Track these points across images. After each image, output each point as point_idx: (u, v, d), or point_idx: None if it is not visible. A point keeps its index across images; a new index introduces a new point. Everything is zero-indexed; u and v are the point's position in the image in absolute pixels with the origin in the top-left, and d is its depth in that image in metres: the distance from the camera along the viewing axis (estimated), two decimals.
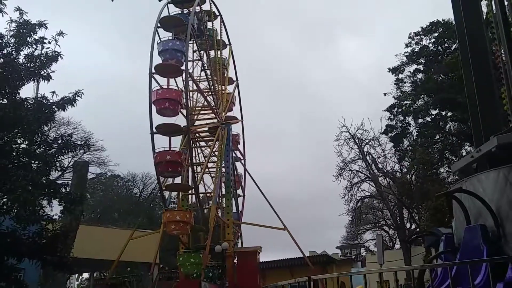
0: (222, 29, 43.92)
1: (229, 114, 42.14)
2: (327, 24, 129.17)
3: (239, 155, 43.49)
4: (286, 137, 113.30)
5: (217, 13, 43.45)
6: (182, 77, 35.30)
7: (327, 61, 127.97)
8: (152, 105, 33.85)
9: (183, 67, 34.78)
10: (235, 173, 41.39)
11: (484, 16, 9.73)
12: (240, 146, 44.17)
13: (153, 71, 34.42)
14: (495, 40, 8.92)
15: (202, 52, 41.04)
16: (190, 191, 37.53)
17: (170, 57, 35.05)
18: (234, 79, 44.90)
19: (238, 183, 42.05)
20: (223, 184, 38.42)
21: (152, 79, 34.22)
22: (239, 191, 43.03)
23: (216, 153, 39.47)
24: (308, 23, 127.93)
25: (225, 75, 42.96)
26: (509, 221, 7.35)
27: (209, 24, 42.42)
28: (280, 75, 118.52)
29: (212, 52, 42.18)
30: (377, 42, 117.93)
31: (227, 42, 44.40)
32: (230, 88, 44.24)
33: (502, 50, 8.74)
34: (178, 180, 36.50)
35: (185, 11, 37.74)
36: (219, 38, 43.11)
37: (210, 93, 40.39)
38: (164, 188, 34.51)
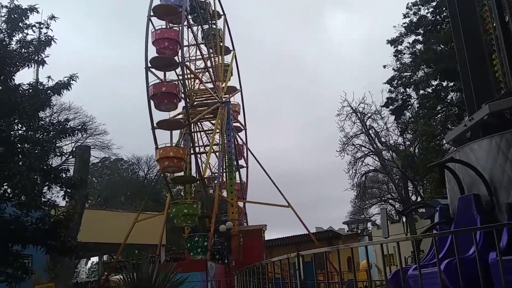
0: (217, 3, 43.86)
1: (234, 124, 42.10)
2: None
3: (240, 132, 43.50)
4: (286, 114, 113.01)
5: None
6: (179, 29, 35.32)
7: (319, 36, 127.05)
8: (152, 46, 34.30)
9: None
10: (236, 143, 41.22)
11: None
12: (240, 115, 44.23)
13: (151, 13, 35.00)
14: (485, 6, 8.78)
15: (197, 27, 41.12)
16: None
17: None
18: (235, 74, 44.87)
19: (240, 154, 41.94)
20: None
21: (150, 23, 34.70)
22: (241, 162, 43.03)
23: (218, 132, 39.47)
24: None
25: (221, 43, 42.86)
26: (502, 190, 7.29)
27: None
28: (273, 53, 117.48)
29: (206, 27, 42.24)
30: (368, 15, 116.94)
31: (221, 12, 44.34)
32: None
33: (492, 14, 8.59)
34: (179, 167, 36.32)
35: None
36: (213, 8, 43.10)
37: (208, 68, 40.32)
38: (156, 126, 33.87)
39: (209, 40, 40.97)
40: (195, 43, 40.70)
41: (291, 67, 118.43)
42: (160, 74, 34.76)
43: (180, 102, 35.01)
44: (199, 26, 41.57)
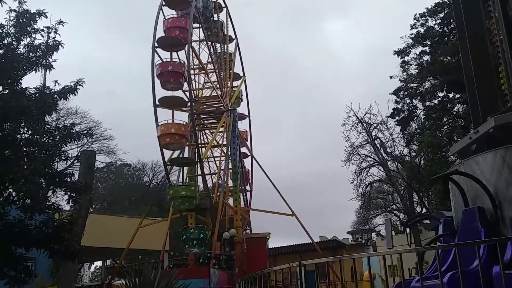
0: (229, 22, 43.99)
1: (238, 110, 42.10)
2: (313, 7, 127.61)
3: (246, 151, 43.32)
4: (288, 123, 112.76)
5: (223, 5, 43.51)
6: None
7: (317, 45, 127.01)
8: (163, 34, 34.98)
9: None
10: (243, 169, 41.32)
11: None
12: (248, 142, 44.23)
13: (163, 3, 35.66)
14: (492, 18, 8.77)
15: (209, 43, 41.29)
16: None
17: None
18: (241, 74, 44.92)
19: (246, 179, 42.00)
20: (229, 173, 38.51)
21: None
22: (247, 187, 43.05)
23: (223, 139, 39.57)
24: (293, 7, 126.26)
25: (231, 69, 42.95)
26: (506, 203, 7.25)
27: (215, 16, 42.85)
28: (272, 63, 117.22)
29: (218, 46, 42.45)
30: (366, 23, 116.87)
31: (233, 36, 44.47)
32: (235, 83, 44.42)
33: (499, 27, 8.58)
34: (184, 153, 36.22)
35: None
36: (226, 32, 43.33)
37: (216, 84, 40.44)
38: (158, 103, 33.77)
39: (219, 61, 41.18)
40: (205, 40, 41.00)
41: (291, 73, 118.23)
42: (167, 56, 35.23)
43: (185, 82, 35.13)
44: (212, 44, 41.73)
